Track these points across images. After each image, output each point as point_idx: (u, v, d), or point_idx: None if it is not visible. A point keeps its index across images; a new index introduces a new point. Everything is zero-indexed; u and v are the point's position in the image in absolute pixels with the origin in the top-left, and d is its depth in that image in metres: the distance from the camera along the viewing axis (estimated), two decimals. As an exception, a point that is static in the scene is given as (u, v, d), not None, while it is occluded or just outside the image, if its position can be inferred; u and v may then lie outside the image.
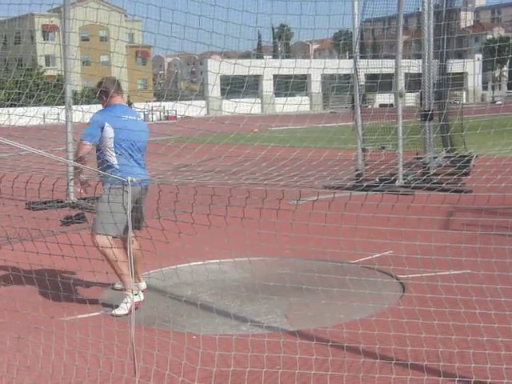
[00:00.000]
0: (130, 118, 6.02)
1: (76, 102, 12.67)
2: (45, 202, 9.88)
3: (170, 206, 4.84)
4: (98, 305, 5.80)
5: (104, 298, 6.09)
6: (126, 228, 5.22)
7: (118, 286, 6.29)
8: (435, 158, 13.74)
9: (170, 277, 6.54)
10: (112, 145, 5.83)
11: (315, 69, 9.15)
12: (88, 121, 6.10)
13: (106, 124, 5.84)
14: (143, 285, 6.23)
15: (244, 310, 5.69)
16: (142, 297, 5.86)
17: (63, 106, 11.14)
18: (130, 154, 5.87)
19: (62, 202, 10.59)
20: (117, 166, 5.77)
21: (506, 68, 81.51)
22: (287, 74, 9.36)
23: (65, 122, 11.19)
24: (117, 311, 5.66)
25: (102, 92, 6.03)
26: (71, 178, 9.18)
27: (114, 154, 5.83)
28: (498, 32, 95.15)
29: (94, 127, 5.89)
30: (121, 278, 5.73)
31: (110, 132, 5.83)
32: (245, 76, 8.04)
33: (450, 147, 14.88)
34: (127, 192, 5.09)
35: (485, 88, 73.62)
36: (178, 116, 41.61)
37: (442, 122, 14.25)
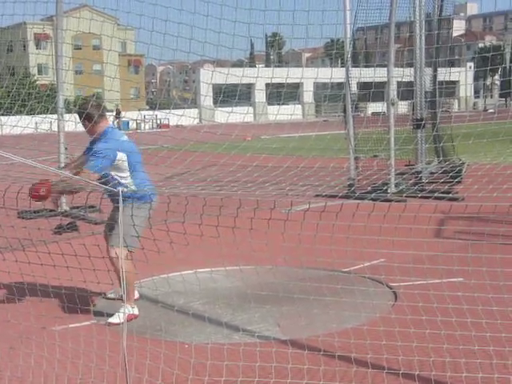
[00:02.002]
0: (126, 138, 6.08)
1: (69, 111, 12.66)
2: (36, 211, 9.86)
3: (161, 215, 4.84)
4: (89, 314, 5.78)
5: (96, 308, 6.08)
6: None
7: (111, 295, 6.28)
8: (427, 166, 13.77)
9: (161, 286, 6.53)
10: (127, 167, 5.85)
11: (307, 79, 9.18)
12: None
13: (118, 152, 5.81)
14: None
15: (236, 318, 5.69)
16: (136, 311, 5.85)
17: (55, 115, 11.13)
18: (142, 172, 5.97)
19: (53, 210, 10.55)
20: (132, 186, 5.78)
21: (497, 76, 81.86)
22: (280, 82, 9.39)
23: (57, 131, 11.18)
24: (111, 319, 5.66)
25: (85, 118, 5.93)
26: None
27: (128, 175, 5.85)
28: (491, 41, 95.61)
29: (107, 160, 5.74)
30: (127, 288, 5.71)
31: (123, 156, 5.83)
32: (237, 85, 8.06)
33: (442, 156, 14.92)
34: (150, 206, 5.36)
35: (477, 96, 73.92)
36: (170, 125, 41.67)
37: (435, 132, 14.29)
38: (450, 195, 10.01)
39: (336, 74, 13.82)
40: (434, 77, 14.76)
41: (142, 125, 46.31)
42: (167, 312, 5.89)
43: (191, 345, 4.82)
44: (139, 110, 50.75)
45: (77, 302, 5.87)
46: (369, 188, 11.20)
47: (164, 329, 5.32)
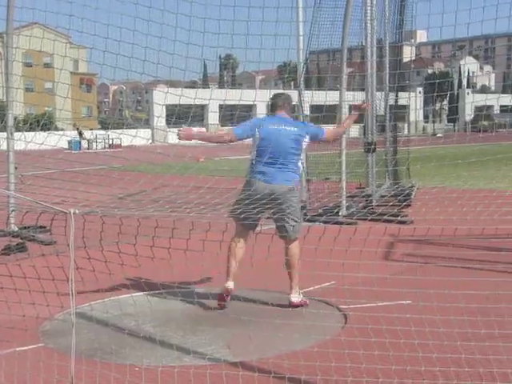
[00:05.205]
0: (273, 127, 6.47)
1: (18, 130, 12.45)
2: (-16, 232, 9.67)
3: (113, 237, 4.81)
4: (37, 337, 5.69)
5: (44, 331, 5.98)
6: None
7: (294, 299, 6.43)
8: (377, 190, 13.97)
9: (112, 308, 6.47)
10: (255, 148, 6.43)
11: (260, 102, 9.26)
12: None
13: (257, 130, 6.43)
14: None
15: (187, 341, 5.66)
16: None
17: (5, 134, 10.92)
18: (271, 158, 6.33)
19: (2, 231, 10.36)
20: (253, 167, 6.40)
21: (445, 102, 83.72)
22: (233, 104, 9.45)
23: (6, 150, 10.97)
24: (293, 299, 6.31)
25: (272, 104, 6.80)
26: (12, 208, 9.03)
27: (255, 157, 6.43)
28: (439, 67, 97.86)
29: (249, 126, 6.58)
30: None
31: (256, 139, 6.44)
32: (190, 106, 8.08)
33: (393, 179, 15.16)
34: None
35: (426, 121, 75.41)
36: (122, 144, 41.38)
37: (385, 157, 14.54)
38: (399, 218, 10.17)
39: (288, 97, 13.93)
40: (386, 101, 15.05)
41: (94, 144, 45.90)
42: (118, 335, 5.82)
43: (142, 367, 4.78)
44: (91, 130, 50.25)
45: (24, 324, 5.78)
46: (320, 210, 11.33)
47: (114, 351, 5.27)
